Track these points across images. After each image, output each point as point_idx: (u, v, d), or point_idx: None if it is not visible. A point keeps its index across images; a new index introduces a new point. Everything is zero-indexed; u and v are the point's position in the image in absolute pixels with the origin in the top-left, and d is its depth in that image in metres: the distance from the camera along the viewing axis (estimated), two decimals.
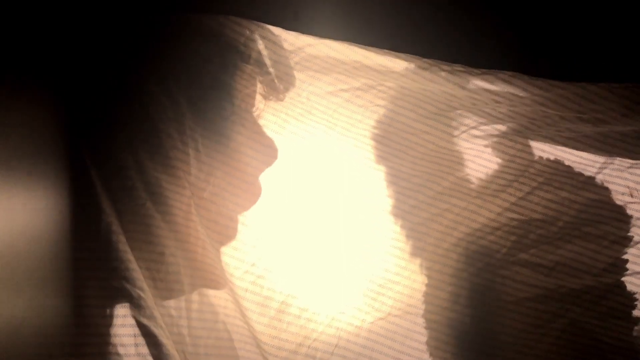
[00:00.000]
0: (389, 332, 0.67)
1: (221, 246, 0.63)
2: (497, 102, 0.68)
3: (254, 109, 0.64)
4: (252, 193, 0.64)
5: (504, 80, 0.67)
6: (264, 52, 0.63)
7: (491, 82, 0.67)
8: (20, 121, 0.47)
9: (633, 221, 0.71)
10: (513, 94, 0.68)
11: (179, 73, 0.60)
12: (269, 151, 0.64)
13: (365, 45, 0.66)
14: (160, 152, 0.59)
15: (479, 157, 0.70)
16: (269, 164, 0.64)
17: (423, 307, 0.68)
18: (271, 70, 0.64)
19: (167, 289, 0.60)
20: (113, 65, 0.60)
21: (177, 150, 0.60)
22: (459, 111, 0.69)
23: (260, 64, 0.63)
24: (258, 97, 0.64)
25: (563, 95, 0.68)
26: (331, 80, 0.67)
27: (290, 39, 0.64)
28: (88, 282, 0.57)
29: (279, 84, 0.64)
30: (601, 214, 0.71)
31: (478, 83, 0.67)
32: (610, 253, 0.70)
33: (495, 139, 0.70)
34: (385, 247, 0.68)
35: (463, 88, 0.67)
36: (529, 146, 0.71)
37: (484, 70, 0.67)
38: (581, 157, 0.71)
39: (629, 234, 0.71)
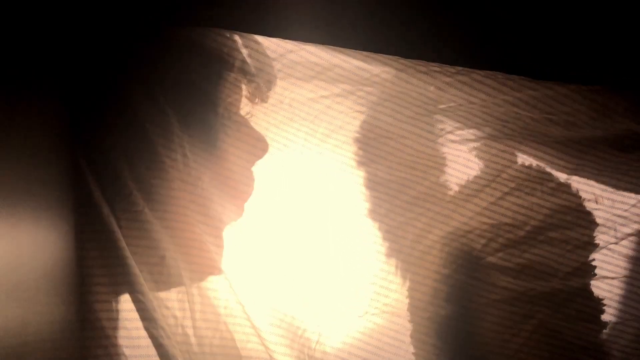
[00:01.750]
0: (366, 329, 0.70)
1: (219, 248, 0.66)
2: (470, 102, 0.71)
3: (246, 114, 0.66)
4: (243, 191, 0.67)
5: (477, 80, 0.70)
6: (248, 60, 0.65)
7: (464, 82, 0.70)
8: (21, 128, 0.48)
9: (596, 227, 0.74)
10: (486, 94, 0.71)
11: (166, 83, 0.62)
12: (259, 144, 0.66)
13: (344, 47, 0.68)
14: (154, 159, 0.62)
15: (455, 161, 0.73)
16: (259, 156, 0.67)
17: (405, 309, 0.71)
18: (255, 78, 0.66)
19: (168, 287, 0.63)
20: (104, 76, 0.62)
21: (169, 157, 0.62)
22: (436, 115, 0.72)
23: (244, 72, 0.65)
24: (244, 101, 0.66)
25: (534, 96, 0.71)
26: (312, 87, 0.69)
27: (272, 47, 0.67)
28: (91, 287, 0.59)
29: (263, 87, 0.67)
30: (566, 219, 0.73)
31: (452, 83, 0.70)
32: (574, 257, 0.73)
33: (470, 144, 0.73)
34: (365, 250, 0.71)
35: (438, 89, 0.70)
36: (503, 151, 0.73)
37: (458, 69, 0.70)
38: (552, 164, 0.74)
39: (591, 239, 0.74)
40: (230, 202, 0.66)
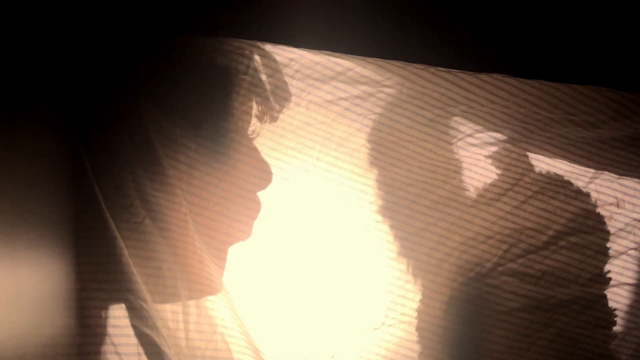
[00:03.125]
0: (383, 341, 0.68)
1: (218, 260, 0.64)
2: (492, 101, 0.69)
3: (250, 132, 0.64)
4: (252, 208, 0.65)
5: (499, 79, 0.69)
6: (260, 62, 0.63)
7: (486, 81, 0.68)
8: (26, 135, 0.47)
9: (617, 232, 0.73)
10: (508, 93, 0.69)
11: (174, 93, 0.61)
12: (264, 175, 0.64)
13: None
14: (158, 170, 0.60)
15: (475, 165, 0.71)
16: (262, 187, 0.64)
17: (416, 319, 0.69)
18: (267, 84, 0.63)
19: (163, 301, 0.62)
20: (112, 85, 0.60)
21: (174, 168, 0.61)
22: (455, 118, 0.70)
23: (257, 75, 0.63)
24: (253, 119, 0.64)
25: (555, 96, 0.70)
26: (330, 89, 0.66)
27: (288, 48, 0.64)
28: (93, 293, 0.58)
29: (274, 102, 0.64)
30: (587, 223, 0.72)
31: (474, 82, 0.68)
32: (594, 263, 0.72)
33: (490, 147, 0.71)
34: (380, 258, 0.68)
35: (459, 87, 0.68)
36: (524, 155, 0.71)
37: (478, 72, 0.68)
38: (573, 167, 0.72)
39: (612, 244, 0.73)
40: (237, 220, 0.64)
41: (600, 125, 0.71)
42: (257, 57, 0.63)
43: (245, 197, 0.63)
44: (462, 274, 0.70)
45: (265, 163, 0.64)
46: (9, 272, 0.46)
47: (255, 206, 0.64)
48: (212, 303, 0.64)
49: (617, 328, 0.73)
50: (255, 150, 0.64)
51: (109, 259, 0.58)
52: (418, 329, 0.69)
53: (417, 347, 0.69)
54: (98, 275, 0.58)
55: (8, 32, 0.47)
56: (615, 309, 0.73)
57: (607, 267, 0.72)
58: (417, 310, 0.69)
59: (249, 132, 0.64)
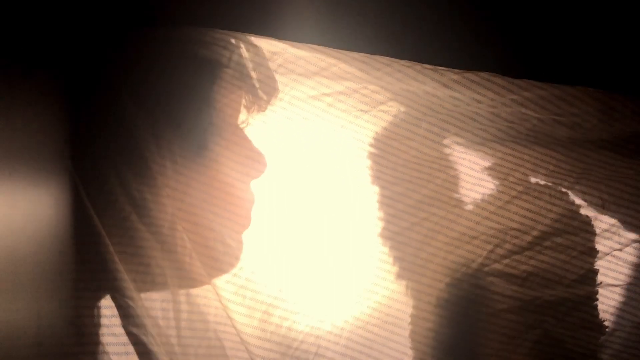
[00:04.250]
0: (367, 340, 0.67)
1: (216, 263, 0.63)
2: (478, 101, 0.68)
3: (240, 122, 0.63)
4: (247, 199, 0.64)
5: (485, 79, 0.68)
6: (245, 55, 0.62)
7: (472, 80, 0.67)
8: (8, 130, 0.46)
9: (601, 233, 0.73)
10: (495, 93, 0.68)
11: (156, 85, 0.60)
12: (256, 165, 0.64)
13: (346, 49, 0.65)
14: (141, 164, 0.59)
15: (460, 164, 0.70)
16: (255, 176, 0.64)
17: (410, 324, 0.68)
18: (253, 74, 0.62)
19: (153, 290, 0.61)
20: (93, 79, 0.60)
21: (156, 163, 0.59)
22: (441, 115, 0.69)
23: (241, 67, 0.62)
24: (242, 109, 0.63)
25: (542, 96, 0.69)
26: (314, 84, 0.65)
27: (272, 42, 0.63)
28: (79, 292, 0.57)
29: (262, 93, 0.63)
30: (572, 224, 0.71)
31: (460, 80, 0.67)
32: (579, 264, 0.71)
33: (476, 146, 0.70)
34: (364, 256, 0.67)
35: (445, 86, 0.67)
36: (509, 154, 0.70)
37: (465, 70, 0.67)
38: (559, 167, 0.71)
39: (596, 245, 0.72)
40: (229, 211, 0.63)
41: (587, 126, 0.70)
42: (241, 48, 0.62)
43: (237, 188, 0.62)
44: (449, 274, 0.69)
45: (258, 152, 0.64)
46: None
47: (249, 196, 0.64)
48: (204, 299, 0.63)
49: (602, 329, 0.72)
50: (245, 139, 0.63)
51: (94, 257, 0.57)
52: (411, 333, 0.68)
53: (400, 346, 0.68)
54: (84, 275, 0.57)
55: None
56: (599, 310, 0.72)
57: (591, 268, 0.71)
58: (410, 315, 0.68)
59: (239, 122, 0.63)
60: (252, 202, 0.64)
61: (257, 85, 0.63)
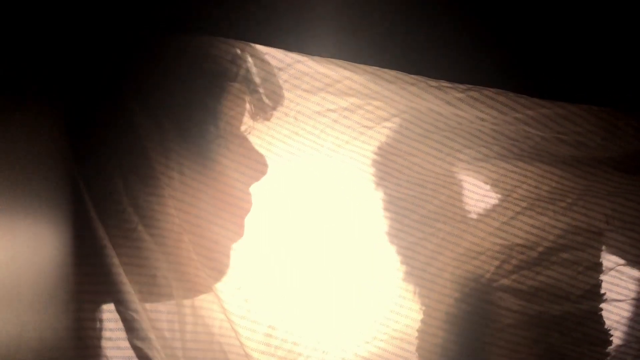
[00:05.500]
0: (374, 355, 0.67)
1: (213, 273, 0.62)
2: (481, 119, 0.69)
3: (244, 128, 0.63)
4: (236, 213, 0.63)
5: (489, 97, 0.68)
6: (253, 70, 0.62)
7: (476, 99, 0.68)
8: (16, 138, 0.46)
9: (606, 248, 0.73)
10: (498, 111, 0.68)
11: (165, 96, 0.60)
12: (258, 166, 0.63)
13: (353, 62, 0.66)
14: (149, 175, 0.59)
15: (464, 180, 0.70)
16: (257, 178, 0.64)
17: (417, 339, 0.67)
18: (260, 88, 0.62)
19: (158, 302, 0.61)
20: (101, 88, 0.59)
21: (164, 174, 0.59)
22: (445, 133, 0.69)
23: (248, 81, 0.62)
24: (246, 116, 0.63)
25: (545, 115, 0.69)
26: (319, 100, 0.65)
27: (278, 56, 0.64)
28: (84, 304, 0.57)
29: (268, 102, 0.63)
30: (577, 240, 0.71)
31: (464, 99, 0.67)
32: (585, 279, 0.71)
33: (479, 163, 0.70)
34: (375, 271, 0.67)
35: (449, 104, 0.67)
36: (512, 172, 0.71)
37: (469, 86, 0.68)
38: (562, 184, 0.71)
39: (601, 261, 0.72)
40: (229, 221, 0.63)
41: (591, 144, 0.71)
42: (248, 58, 0.62)
43: (235, 196, 0.62)
44: (457, 289, 0.69)
45: (259, 154, 0.64)
46: None
47: (245, 205, 0.63)
48: (209, 311, 0.63)
49: (605, 344, 0.72)
50: (247, 142, 0.63)
51: (99, 269, 0.56)
52: (417, 348, 0.68)
53: None
54: (89, 287, 0.57)
55: None
56: (604, 326, 0.72)
57: (597, 283, 0.71)
58: (418, 330, 0.68)
59: (243, 130, 0.63)
60: (247, 211, 0.63)
61: (263, 97, 0.63)
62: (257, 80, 0.62)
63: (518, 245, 0.70)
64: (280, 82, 0.64)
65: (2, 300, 0.45)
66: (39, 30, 0.55)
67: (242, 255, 0.63)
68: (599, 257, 0.72)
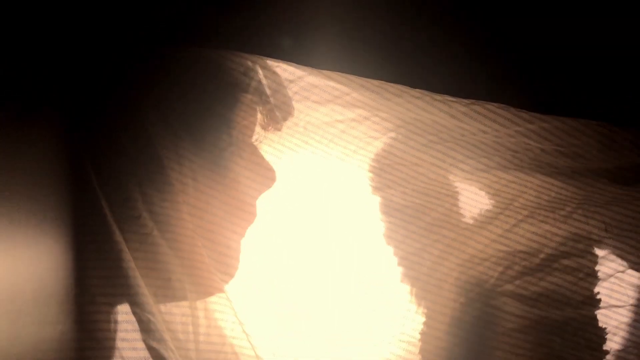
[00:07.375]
0: (382, 358, 0.68)
1: (224, 275, 0.63)
2: (484, 132, 0.71)
3: (255, 137, 0.65)
4: (245, 218, 0.65)
5: (491, 111, 0.71)
6: (264, 82, 0.64)
7: (479, 112, 0.70)
8: (33, 143, 0.47)
9: (606, 255, 0.75)
10: (500, 124, 0.71)
11: (180, 106, 0.62)
12: (268, 174, 0.65)
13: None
14: (164, 182, 0.61)
15: (467, 190, 0.72)
16: (268, 186, 0.65)
17: (420, 341, 0.69)
18: (271, 99, 0.64)
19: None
20: (117, 97, 0.61)
21: (179, 180, 0.61)
22: (448, 144, 0.71)
23: (260, 93, 0.64)
24: (257, 128, 0.65)
25: (545, 128, 0.72)
26: (328, 111, 0.68)
27: (289, 69, 0.66)
28: (100, 307, 0.58)
29: (278, 114, 0.65)
30: (578, 247, 0.73)
31: (467, 112, 0.70)
32: (586, 285, 0.73)
33: (480, 174, 0.73)
34: (382, 276, 0.69)
35: (453, 117, 0.70)
36: (512, 182, 0.73)
37: (472, 100, 0.71)
38: (561, 194, 0.74)
39: (601, 267, 0.74)
40: (239, 226, 0.65)
41: (588, 157, 0.74)
42: (260, 70, 0.64)
43: (245, 202, 0.64)
44: (463, 294, 0.70)
45: (268, 164, 0.65)
46: (15, 286, 0.45)
47: (249, 217, 0.65)
48: (221, 314, 0.64)
49: (605, 350, 0.73)
50: (258, 151, 0.65)
51: (115, 272, 0.58)
52: (421, 350, 0.69)
53: None
54: (105, 289, 0.58)
55: (16, 42, 0.47)
56: (604, 331, 0.74)
57: (596, 290, 0.73)
58: (421, 333, 0.69)
59: (254, 139, 0.65)
60: (253, 220, 0.65)
61: (274, 109, 0.65)
62: (268, 91, 0.64)
63: (521, 252, 0.72)
64: (291, 93, 0.66)
65: (24, 302, 0.46)
66: (60, 40, 0.57)
67: (253, 259, 0.65)
68: (598, 263, 0.74)
